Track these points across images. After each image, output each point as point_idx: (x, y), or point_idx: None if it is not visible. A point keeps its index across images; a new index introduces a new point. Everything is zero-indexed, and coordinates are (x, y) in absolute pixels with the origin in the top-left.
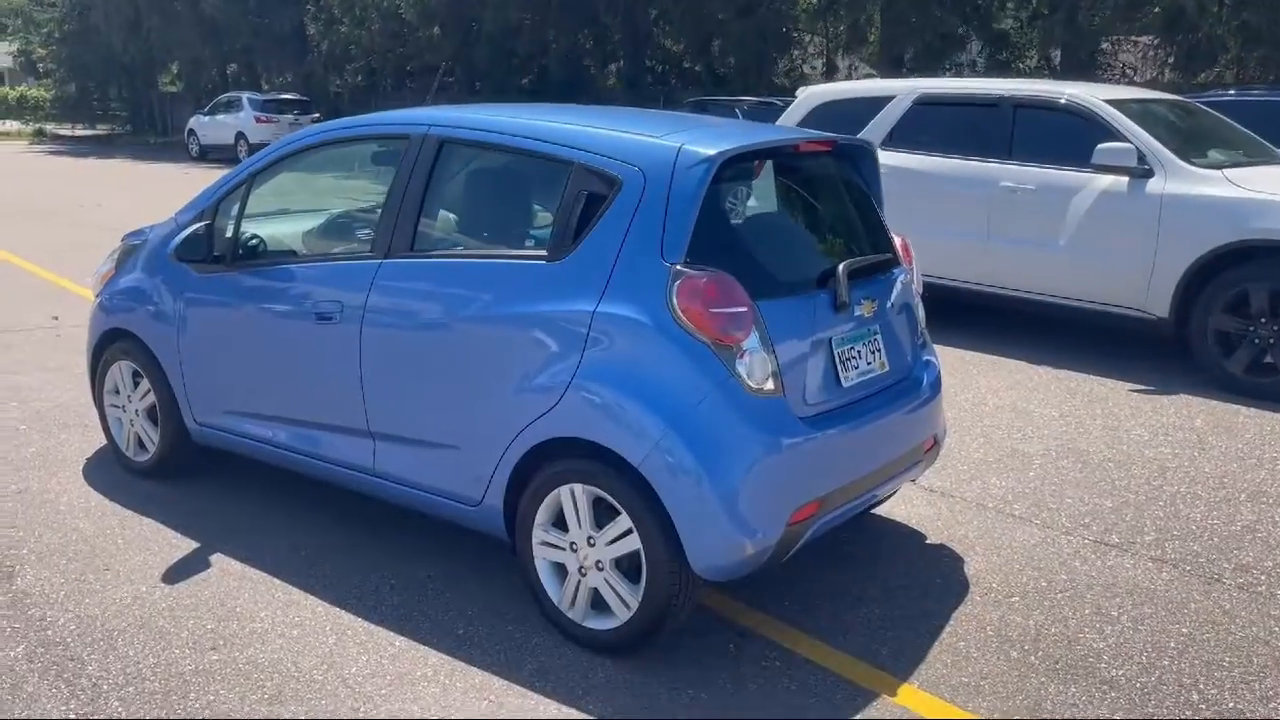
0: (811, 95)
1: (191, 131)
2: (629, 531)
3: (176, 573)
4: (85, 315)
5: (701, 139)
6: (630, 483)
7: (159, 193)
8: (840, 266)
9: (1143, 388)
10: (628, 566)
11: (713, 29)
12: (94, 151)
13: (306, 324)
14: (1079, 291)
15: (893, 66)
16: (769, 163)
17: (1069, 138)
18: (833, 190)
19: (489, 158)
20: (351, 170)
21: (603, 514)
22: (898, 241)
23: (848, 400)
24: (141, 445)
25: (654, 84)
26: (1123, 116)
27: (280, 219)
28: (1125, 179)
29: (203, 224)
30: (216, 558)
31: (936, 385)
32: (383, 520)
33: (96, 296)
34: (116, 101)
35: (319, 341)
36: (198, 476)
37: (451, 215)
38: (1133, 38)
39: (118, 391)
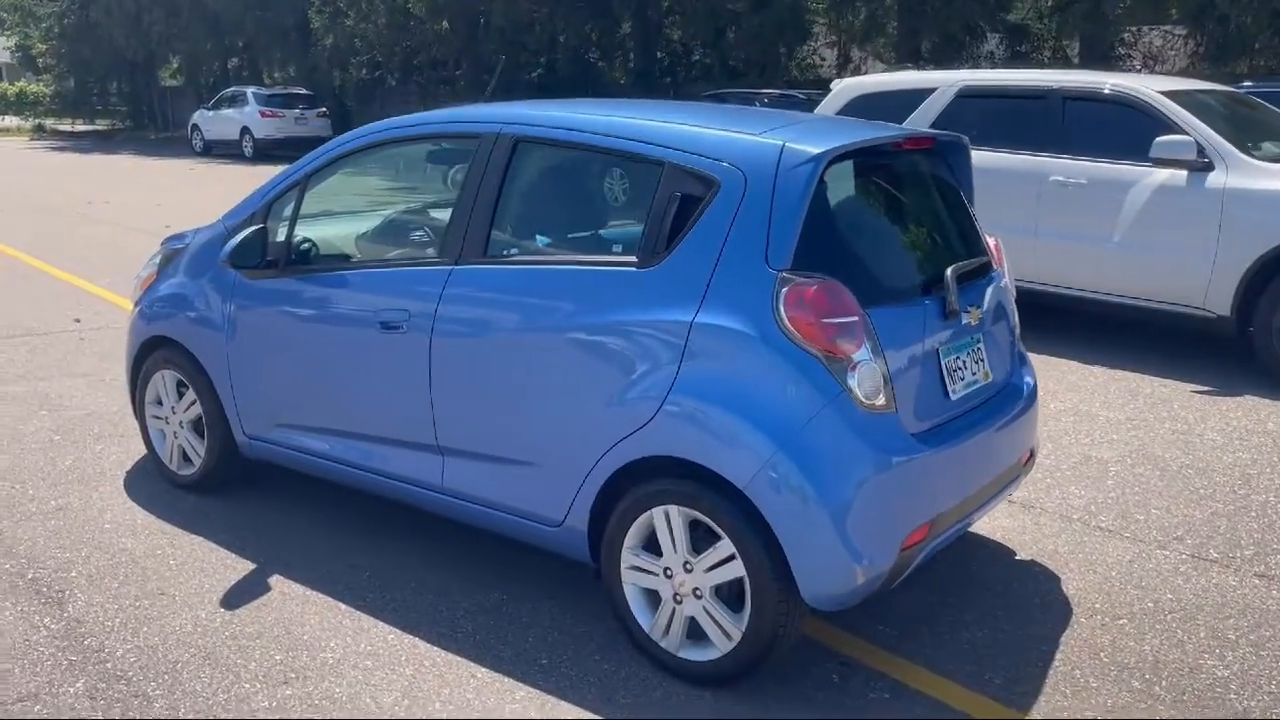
0: (848, 87)
1: (195, 127)
2: (731, 558)
3: (235, 597)
4: (106, 317)
5: (803, 137)
6: (734, 505)
7: (165, 189)
8: (948, 272)
9: (1206, 389)
10: (728, 594)
11: (726, 21)
12: (96, 147)
13: (369, 333)
14: (1133, 289)
15: (909, 59)
16: (870, 161)
17: (1122, 130)
18: (929, 190)
19: (568, 158)
20: (396, 171)
21: (700, 538)
22: (990, 242)
23: (955, 414)
24: (186, 458)
25: (661, 76)
26: (1179, 108)
27: (326, 221)
28: (1184, 173)
29: (257, 228)
30: (275, 580)
31: (1034, 394)
32: (444, 537)
33: (136, 303)
34: (116, 97)
35: (383, 352)
36: (244, 490)
37: (528, 219)
38: (1161, 27)
39: (160, 402)
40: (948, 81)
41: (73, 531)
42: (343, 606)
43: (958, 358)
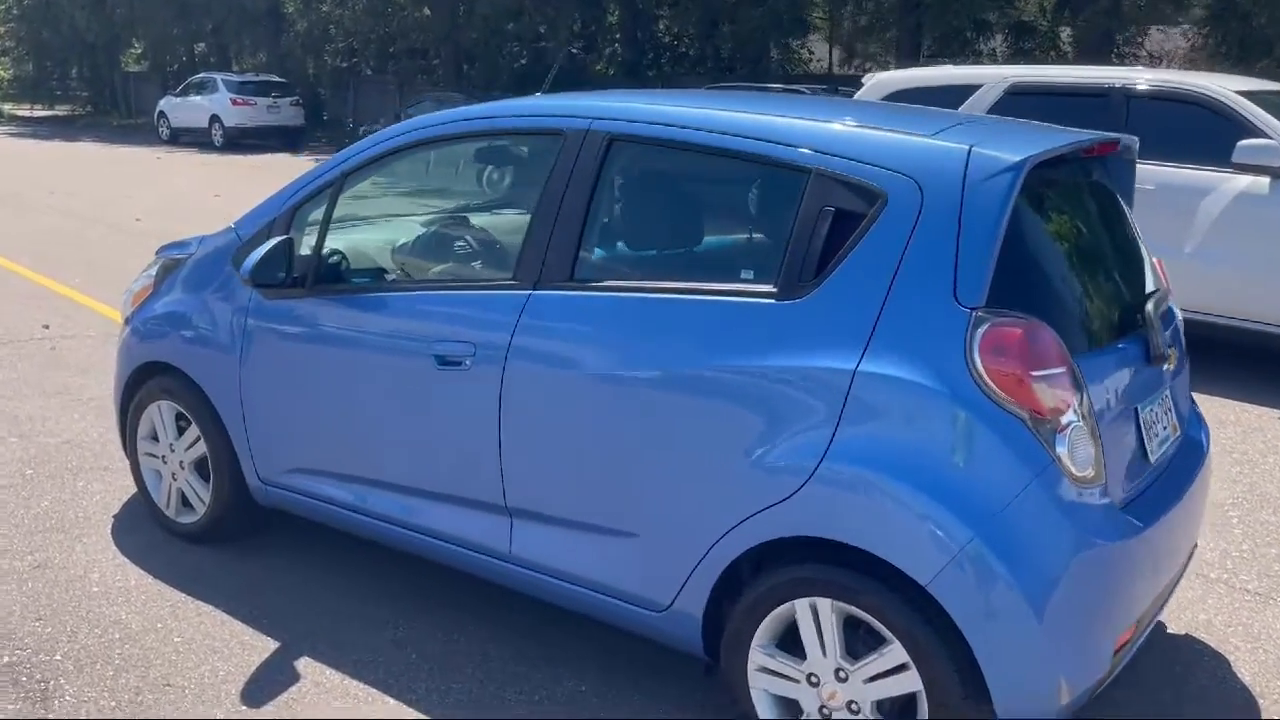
0: (883, 82)
1: (162, 114)
2: (902, 667)
3: (259, 689)
4: (77, 322)
5: (989, 140)
6: (909, 604)
7: (132, 179)
8: (1149, 307)
9: None
10: (890, 708)
11: (720, 13)
12: (56, 134)
13: (420, 368)
14: (1207, 304)
15: (910, 55)
16: (1051, 171)
17: (1194, 132)
18: (1103, 203)
19: (679, 161)
20: (425, 169)
21: (857, 639)
22: (1155, 262)
23: (1152, 479)
24: (186, 504)
25: (648, 68)
26: (1259, 110)
27: (352, 230)
28: (1266, 179)
29: (282, 239)
30: (305, 664)
31: (1209, 442)
32: (507, 606)
33: (127, 320)
34: (77, 81)
35: (440, 391)
36: (257, 544)
37: (626, 236)
38: (1180, 26)
39: (156, 438)
40: (995, 77)
41: (54, 597)
42: (390, 701)
43: (1152, 410)
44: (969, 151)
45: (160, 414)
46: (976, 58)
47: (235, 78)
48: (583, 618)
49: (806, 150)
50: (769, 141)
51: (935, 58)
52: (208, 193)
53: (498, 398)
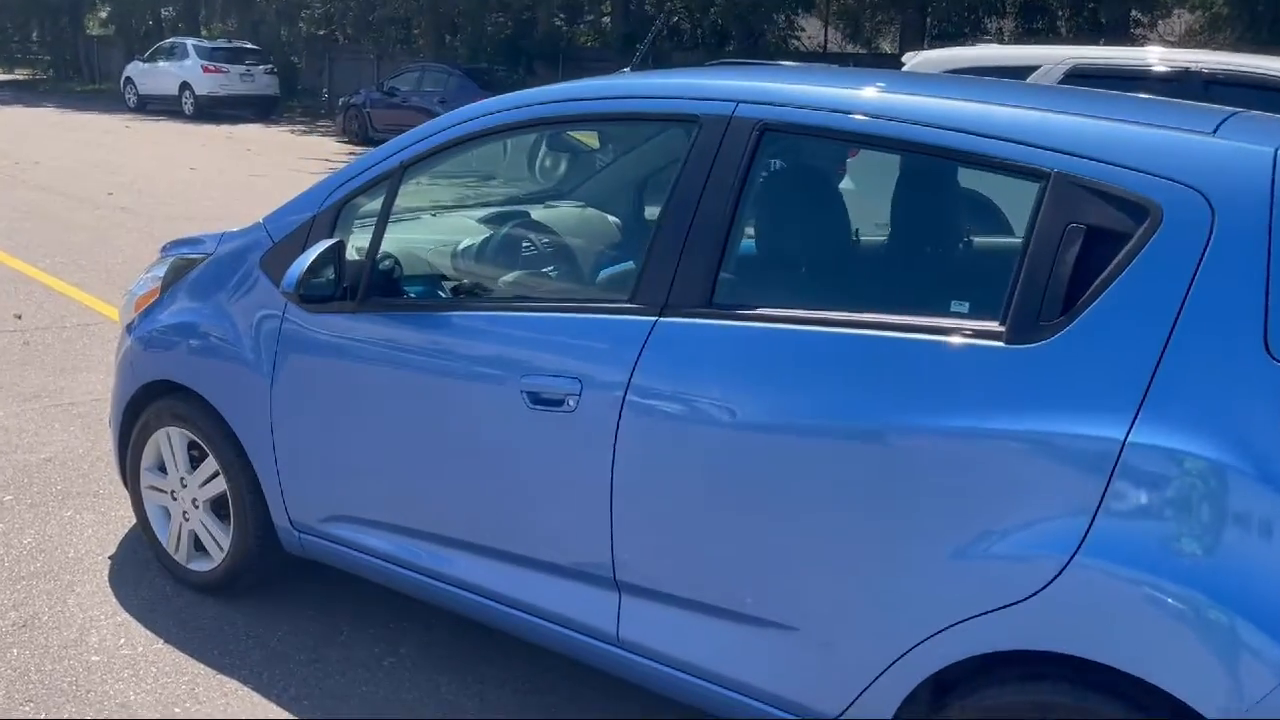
0: (926, 62)
1: (129, 80)
2: None
3: None
4: (51, 311)
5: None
6: None
7: (102, 148)
8: None
9: None
10: None
11: None
12: (17, 99)
13: (508, 405)
14: None
15: (915, 35)
16: None
17: None
18: None
19: (862, 158)
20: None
21: None
22: None
23: None
24: (200, 548)
25: (637, 41)
26: None
27: (396, 227)
28: None
29: (332, 243)
30: None
31: None
32: (618, 695)
33: (128, 328)
34: (38, 45)
35: (533, 434)
36: (287, 594)
37: (785, 253)
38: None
39: (163, 469)
40: (1054, 58)
41: (45, 669)
42: None
43: None
44: (1275, 155)
45: (170, 442)
46: (984, 38)
47: (206, 44)
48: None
49: (1045, 150)
50: (991, 137)
51: (941, 38)
52: (181, 165)
53: (611, 447)
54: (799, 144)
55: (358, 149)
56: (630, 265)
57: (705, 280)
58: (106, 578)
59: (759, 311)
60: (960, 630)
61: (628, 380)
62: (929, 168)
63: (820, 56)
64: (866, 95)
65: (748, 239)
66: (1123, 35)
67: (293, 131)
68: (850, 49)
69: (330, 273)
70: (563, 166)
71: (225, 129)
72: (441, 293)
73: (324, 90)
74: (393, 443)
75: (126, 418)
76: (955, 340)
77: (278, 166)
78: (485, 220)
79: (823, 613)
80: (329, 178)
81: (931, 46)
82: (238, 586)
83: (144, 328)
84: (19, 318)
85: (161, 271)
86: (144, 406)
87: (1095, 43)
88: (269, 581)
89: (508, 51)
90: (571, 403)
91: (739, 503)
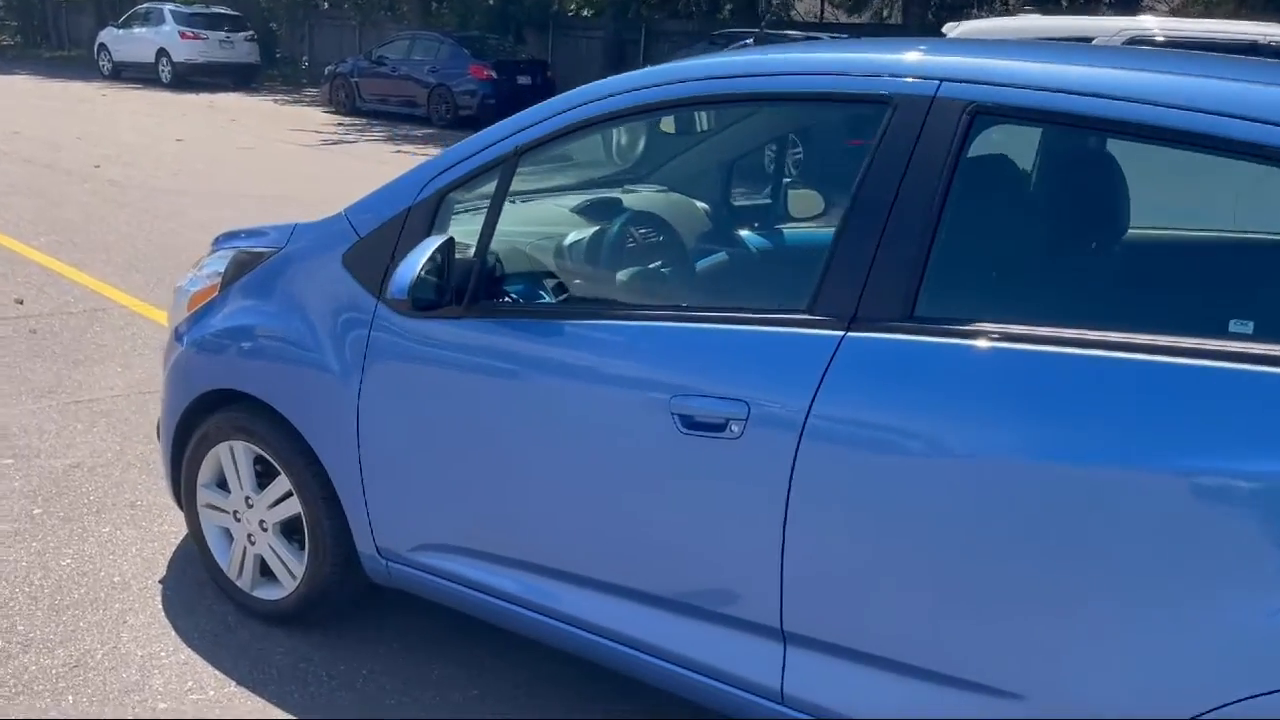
0: (968, 33)
1: (102, 46)
2: None
3: None
4: (53, 296)
5: None
6: None
7: (80, 117)
8: None
9: None
10: None
11: None
12: None
13: (655, 428)
14: None
15: (919, 11)
16: None
17: None
18: None
19: (1092, 147)
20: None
21: None
22: None
23: None
24: (267, 573)
25: (634, 12)
26: None
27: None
28: None
29: (443, 240)
30: None
31: None
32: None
33: (179, 331)
34: (4, 10)
35: (686, 462)
36: (354, 618)
37: (1007, 255)
38: None
39: (224, 487)
40: (1107, 29)
41: (103, 713)
42: None
43: None
44: None
45: (233, 458)
46: (990, 8)
47: (184, 9)
48: None
49: None
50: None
51: (943, 10)
52: (164, 136)
53: (786, 481)
54: (1024, 129)
55: (346, 120)
56: (774, 264)
57: (905, 289)
58: (160, 606)
59: (976, 326)
60: (1254, 705)
61: (809, 405)
62: (1197, 164)
63: (820, 27)
64: (1102, 74)
65: (958, 241)
66: (1133, 5)
67: (275, 101)
68: (851, 20)
69: (442, 274)
70: (640, 147)
71: (205, 98)
72: (558, 296)
73: (304, 58)
74: (507, 467)
75: (180, 428)
76: (1241, 366)
77: (265, 138)
78: (583, 210)
79: (1063, 680)
80: (424, 165)
81: (936, 19)
82: (311, 617)
83: (201, 330)
84: (20, 303)
85: (218, 267)
86: (201, 417)
87: (1098, 13)
88: (344, 612)
89: (496, 19)
90: (735, 428)
91: (955, 550)
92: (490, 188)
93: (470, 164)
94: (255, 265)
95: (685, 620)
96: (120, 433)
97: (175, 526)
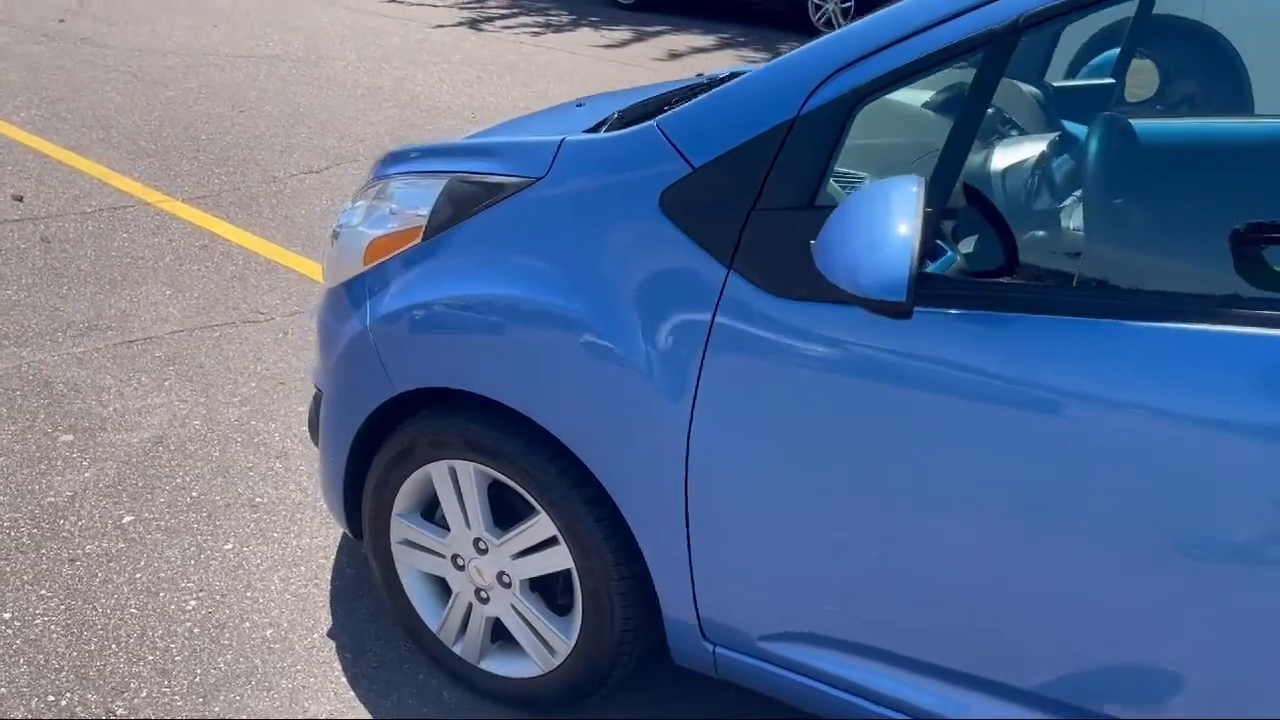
0: None
1: None
2: None
3: None
4: (55, 189)
5: None
6: None
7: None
8: None
9: None
10: None
11: None
12: None
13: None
14: None
15: None
16: None
17: None
18: None
19: None
20: None
21: None
22: None
23: None
24: (500, 639)
25: None
26: None
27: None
28: None
29: (921, 188)
30: None
31: None
32: None
33: (354, 293)
34: None
35: None
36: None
37: None
38: None
39: (435, 519)
40: None
41: None
42: None
43: None
44: None
45: (454, 484)
46: None
47: None
48: None
49: None
50: None
51: None
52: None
53: None
54: None
55: None
56: None
57: None
58: (343, 677)
59: None
60: None
61: None
62: None
63: None
64: None
65: None
66: None
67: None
68: None
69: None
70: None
71: None
72: (1010, 265)
73: None
74: (973, 535)
75: (358, 436)
76: None
77: None
78: (940, 106)
79: None
80: (811, 49)
81: None
82: (565, 702)
83: (400, 298)
84: (20, 200)
85: (415, 200)
86: (400, 424)
87: None
88: (616, 694)
89: None
90: None
91: None
92: (936, 90)
93: (913, 47)
94: (488, 202)
95: None
96: (199, 388)
97: (318, 538)
